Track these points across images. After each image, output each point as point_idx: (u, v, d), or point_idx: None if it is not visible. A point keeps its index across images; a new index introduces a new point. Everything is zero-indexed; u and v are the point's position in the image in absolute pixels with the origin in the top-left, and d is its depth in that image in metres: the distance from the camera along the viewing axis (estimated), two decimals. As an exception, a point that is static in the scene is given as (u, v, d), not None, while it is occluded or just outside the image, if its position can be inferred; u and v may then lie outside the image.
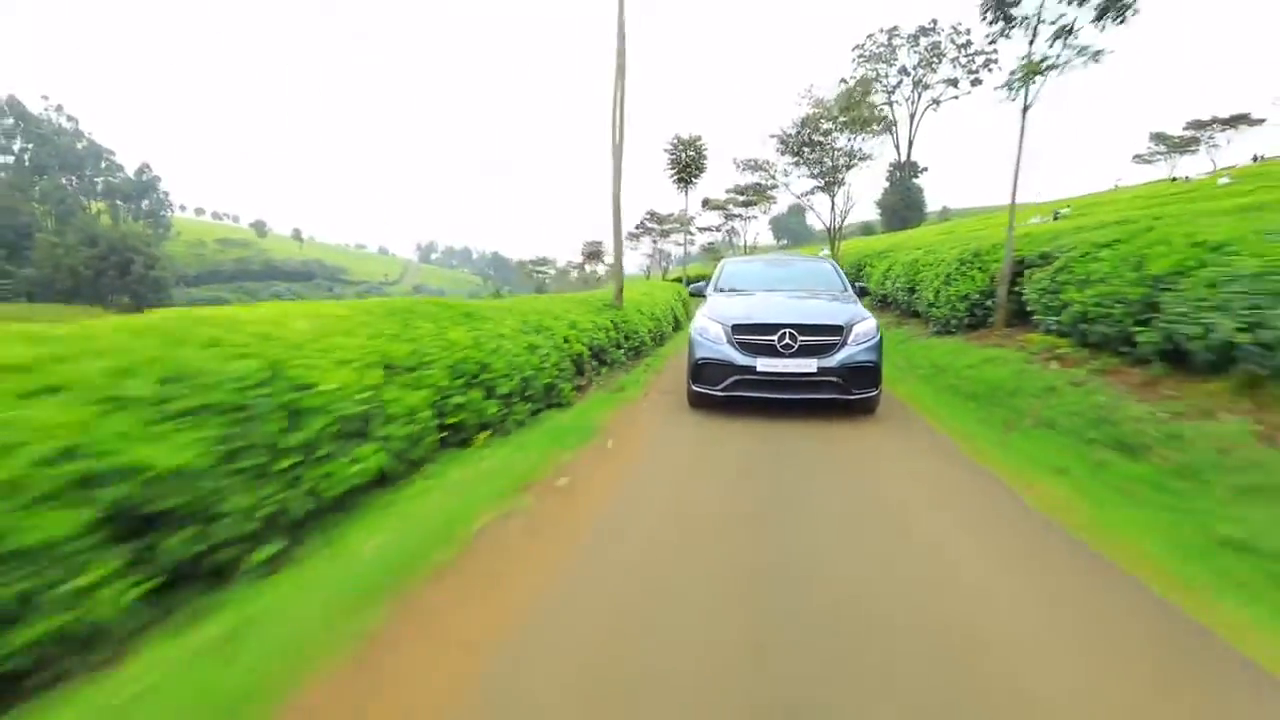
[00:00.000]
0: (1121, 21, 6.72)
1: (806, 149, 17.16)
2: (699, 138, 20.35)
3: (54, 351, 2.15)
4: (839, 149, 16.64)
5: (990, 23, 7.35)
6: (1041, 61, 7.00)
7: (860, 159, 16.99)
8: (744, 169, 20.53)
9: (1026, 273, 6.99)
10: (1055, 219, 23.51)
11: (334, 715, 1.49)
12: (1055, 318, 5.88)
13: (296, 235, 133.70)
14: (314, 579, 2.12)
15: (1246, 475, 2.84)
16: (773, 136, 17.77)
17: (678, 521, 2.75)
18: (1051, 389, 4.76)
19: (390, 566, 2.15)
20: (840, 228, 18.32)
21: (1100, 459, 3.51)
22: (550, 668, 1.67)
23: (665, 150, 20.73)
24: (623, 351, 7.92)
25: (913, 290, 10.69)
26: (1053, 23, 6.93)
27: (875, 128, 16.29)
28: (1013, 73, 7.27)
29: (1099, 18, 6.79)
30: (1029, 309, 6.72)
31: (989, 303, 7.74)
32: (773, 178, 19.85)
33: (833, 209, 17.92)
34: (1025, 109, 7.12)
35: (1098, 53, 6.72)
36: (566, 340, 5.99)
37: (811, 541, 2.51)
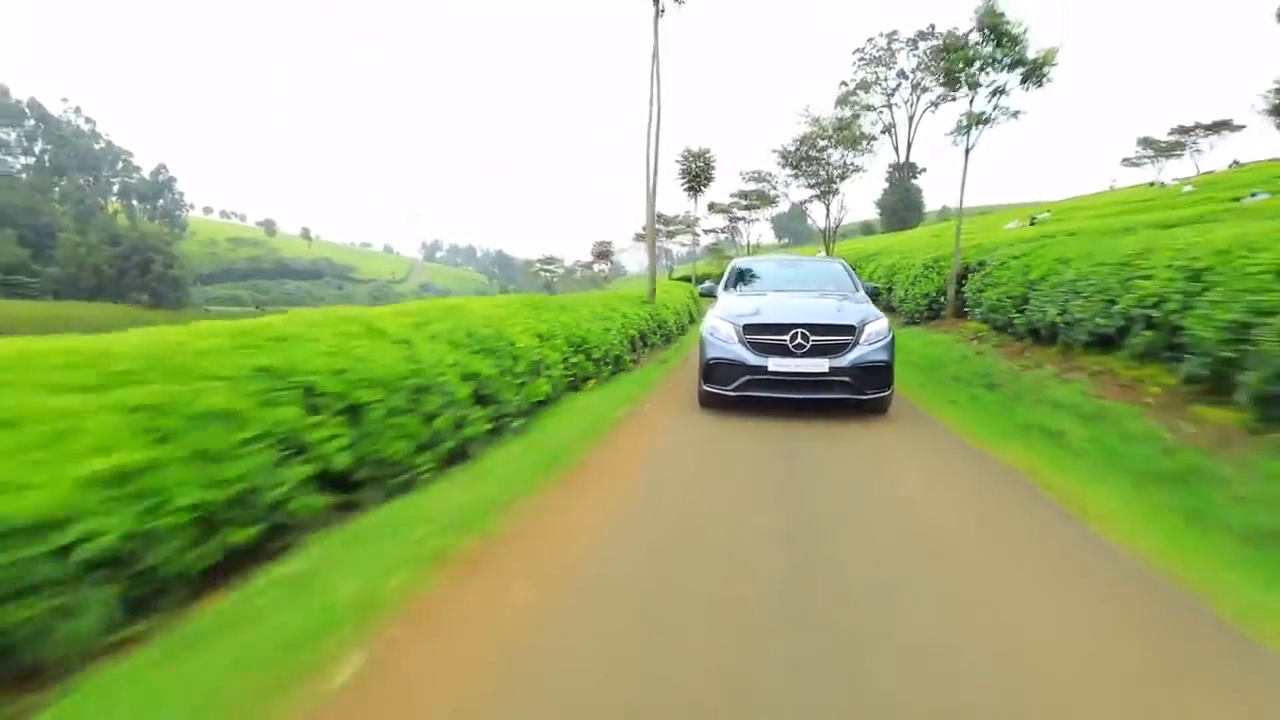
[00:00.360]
0: (1039, 86, 8.91)
1: (805, 163, 19.37)
2: (708, 150, 22.45)
3: (416, 320, 4.33)
4: (833, 164, 18.84)
5: (942, 84, 9.53)
6: (980, 114, 9.18)
7: (853, 171, 19.22)
8: (748, 179, 22.70)
9: (970, 276, 9.17)
10: (1031, 224, 25.56)
11: (598, 462, 3.67)
12: (980, 310, 8.06)
13: (305, 234, 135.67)
14: (549, 433, 4.32)
15: (1042, 394, 5.02)
16: (774, 151, 20.00)
17: (712, 410, 5.01)
18: (965, 358, 6.94)
19: (588, 426, 4.36)
20: (835, 231, 20.52)
21: (976, 394, 5.69)
22: (675, 456, 3.90)
23: (676, 161, 22.82)
24: (658, 336, 10.12)
25: (889, 289, 12.89)
26: (988, 85, 9.11)
27: (864, 145, 18.48)
28: (958, 122, 9.46)
29: (1024, 81, 8.98)
30: (967, 304, 8.90)
31: (942, 299, 9.93)
32: (774, 188, 22.03)
33: (827, 216, 20.14)
34: (968, 151, 9.32)
35: (1017, 113, 8.95)
36: (623, 326, 8.17)
37: (809, 420, 4.72)
